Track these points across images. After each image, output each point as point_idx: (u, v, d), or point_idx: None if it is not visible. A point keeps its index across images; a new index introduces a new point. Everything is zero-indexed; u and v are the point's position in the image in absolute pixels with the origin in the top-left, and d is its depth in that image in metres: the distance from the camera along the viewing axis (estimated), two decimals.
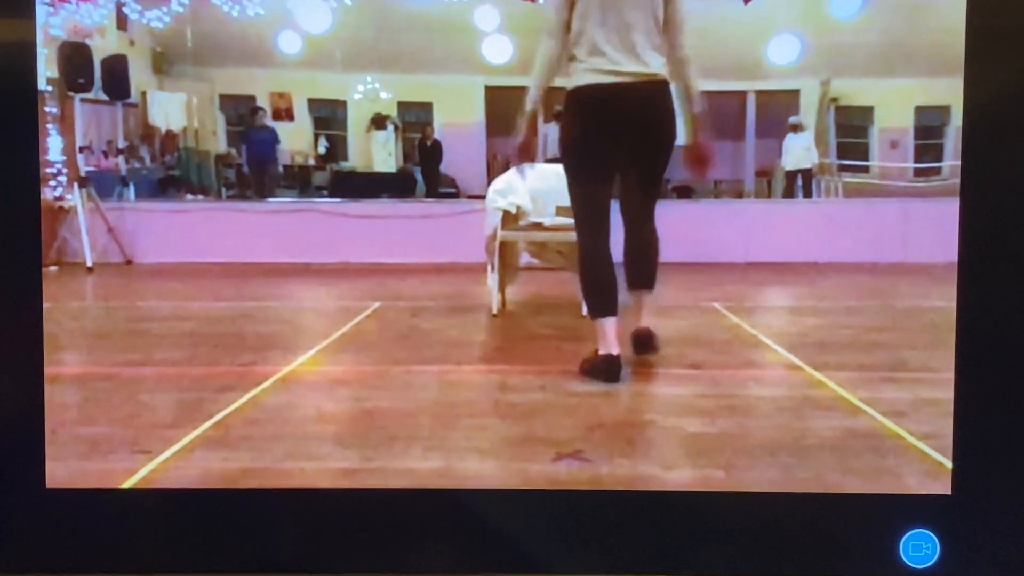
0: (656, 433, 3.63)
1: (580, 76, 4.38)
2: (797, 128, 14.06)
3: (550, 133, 13.23)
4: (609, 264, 4.52)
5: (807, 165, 14.03)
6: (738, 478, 3.05)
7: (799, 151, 14.01)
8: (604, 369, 4.40)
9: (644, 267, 4.58)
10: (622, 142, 4.40)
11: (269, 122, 14.68)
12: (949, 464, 2.31)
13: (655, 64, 4.35)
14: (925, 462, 3.21)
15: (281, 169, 15.23)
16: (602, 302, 4.53)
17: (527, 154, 4.83)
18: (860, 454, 3.30)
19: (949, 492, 2.33)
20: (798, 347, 5.20)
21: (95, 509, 2.53)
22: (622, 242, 4.56)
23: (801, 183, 14.00)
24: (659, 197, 4.63)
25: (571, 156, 4.58)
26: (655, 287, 4.60)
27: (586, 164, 4.51)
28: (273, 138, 14.21)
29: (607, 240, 4.52)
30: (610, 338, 4.44)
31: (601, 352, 4.44)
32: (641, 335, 4.56)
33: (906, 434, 3.49)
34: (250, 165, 14.34)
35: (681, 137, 4.58)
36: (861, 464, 3.19)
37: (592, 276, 4.59)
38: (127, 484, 2.98)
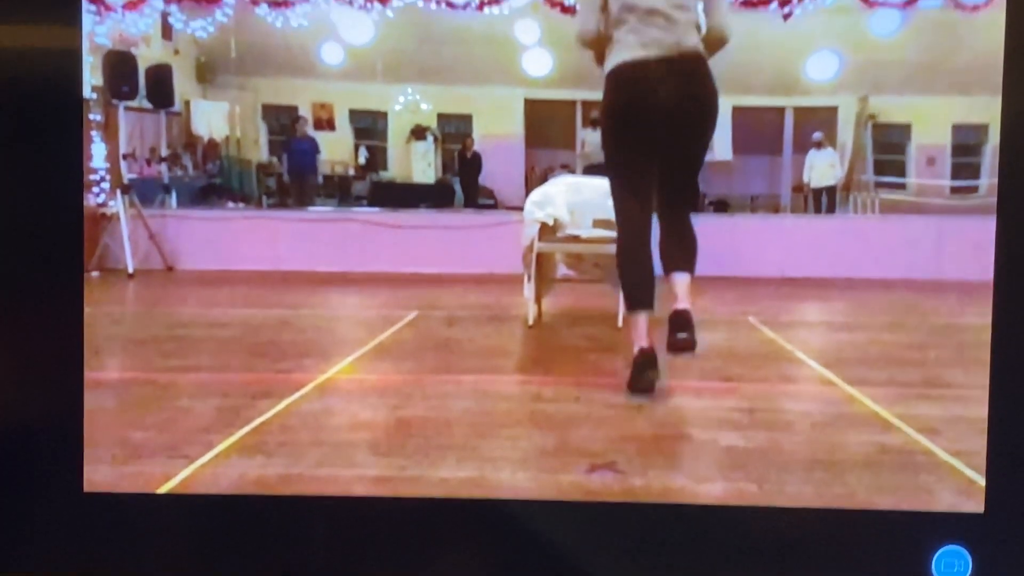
0: (690, 446, 3.62)
1: (617, 54, 4.34)
2: (821, 145, 14.09)
3: (587, 139, 13.29)
4: (647, 256, 4.43)
5: (831, 182, 14.07)
6: (771, 492, 3.05)
7: (823, 168, 14.05)
8: (640, 363, 4.32)
9: (681, 250, 4.42)
10: (658, 116, 4.29)
11: (310, 131, 14.78)
12: (982, 481, 2.30)
13: (693, 41, 4.29)
14: (958, 479, 3.20)
15: (321, 179, 15.33)
16: (638, 294, 4.42)
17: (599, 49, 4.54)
18: (893, 470, 3.29)
19: (982, 510, 2.33)
20: (832, 362, 5.18)
21: (132, 513, 2.56)
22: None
23: (826, 200, 14.02)
24: (696, 188, 4.54)
25: (610, 135, 4.49)
26: (694, 270, 4.41)
27: (625, 143, 4.42)
28: (314, 148, 14.31)
29: (647, 229, 4.45)
30: (642, 332, 4.36)
31: (635, 348, 4.36)
32: (679, 316, 4.30)
33: (939, 451, 3.48)
34: (291, 174, 14.45)
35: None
36: (894, 480, 3.18)
37: (629, 266, 4.49)
38: (164, 489, 3.01)
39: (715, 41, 4.40)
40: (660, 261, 4.43)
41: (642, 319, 4.39)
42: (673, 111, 4.28)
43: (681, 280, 4.37)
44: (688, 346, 4.25)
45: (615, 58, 4.36)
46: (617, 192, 4.56)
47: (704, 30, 4.38)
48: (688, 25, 4.30)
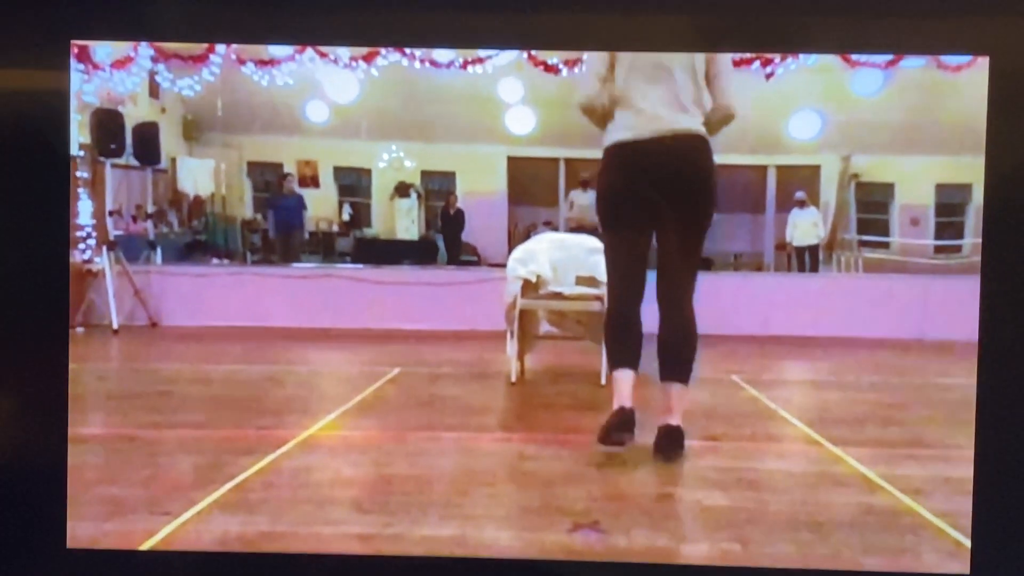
0: (673, 505, 3.62)
1: (616, 132, 4.34)
2: (803, 203, 14.12)
3: (575, 199, 13.35)
4: (637, 323, 4.43)
5: (814, 241, 14.09)
6: (755, 553, 3.04)
7: (806, 226, 14.07)
8: (616, 423, 4.32)
9: (679, 358, 4.37)
10: (656, 197, 4.28)
11: (297, 189, 14.82)
12: (968, 543, 2.30)
13: (693, 122, 4.28)
14: (944, 540, 3.20)
15: (307, 235, 15.35)
16: (622, 352, 4.44)
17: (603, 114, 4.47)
18: (878, 531, 3.29)
19: (968, 571, 2.33)
20: (816, 422, 5.19)
21: (114, 570, 2.55)
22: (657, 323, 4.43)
23: (809, 259, 14.04)
24: (696, 270, 4.43)
25: (606, 212, 4.50)
26: (689, 379, 4.37)
27: (620, 219, 4.42)
28: (300, 204, 14.35)
29: (638, 300, 4.43)
30: (625, 392, 4.35)
31: (615, 406, 4.36)
32: (668, 434, 4.30)
33: (925, 512, 3.48)
34: (277, 230, 14.46)
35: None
36: (879, 541, 3.18)
37: (616, 327, 4.51)
38: (146, 545, 2.99)
39: (722, 119, 4.41)
40: (657, 358, 4.39)
41: (625, 377, 4.39)
42: (666, 193, 4.29)
43: (676, 392, 4.34)
44: (674, 459, 4.25)
45: (613, 135, 4.37)
46: (611, 265, 4.59)
47: (710, 106, 4.37)
48: (689, 106, 4.29)
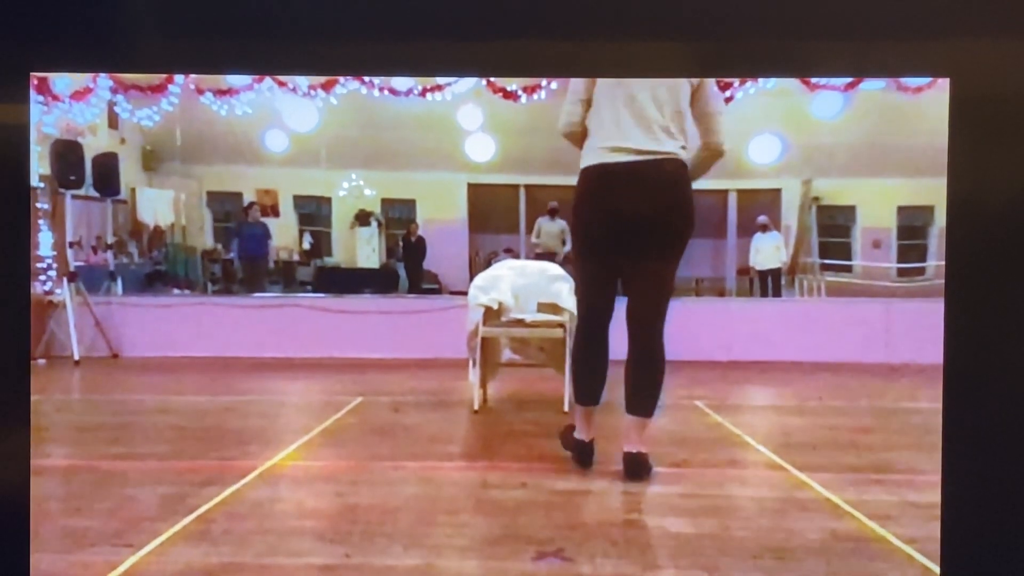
0: (638, 532, 3.62)
1: (593, 155, 4.33)
2: (766, 228, 14.17)
3: (542, 227, 13.38)
4: (603, 351, 4.49)
5: (777, 265, 14.13)
6: None
7: (769, 250, 14.12)
8: (577, 452, 4.57)
9: (644, 393, 4.39)
10: (631, 221, 4.26)
11: (261, 218, 14.78)
12: (937, 569, 2.32)
13: (671, 145, 4.25)
14: (913, 567, 3.20)
15: (272, 264, 15.31)
16: (587, 389, 4.53)
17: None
18: (846, 558, 3.28)
19: None
20: (782, 447, 5.20)
21: None
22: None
23: (772, 283, 14.09)
24: (668, 297, 4.43)
25: (579, 233, 4.53)
26: (652, 413, 4.40)
27: (594, 242, 4.44)
28: (266, 233, 14.31)
29: (606, 323, 4.47)
30: (586, 424, 4.55)
31: (576, 436, 4.58)
32: (635, 460, 4.34)
33: (893, 538, 3.48)
34: (242, 260, 14.40)
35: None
36: (847, 568, 3.18)
37: (582, 360, 4.58)
38: None
39: (713, 155, 4.42)
40: (624, 386, 4.42)
41: (586, 412, 4.57)
42: (638, 219, 4.28)
43: (637, 424, 4.38)
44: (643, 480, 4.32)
45: (588, 157, 4.36)
46: (581, 287, 4.68)
47: (701, 143, 4.38)
48: (669, 129, 4.26)
